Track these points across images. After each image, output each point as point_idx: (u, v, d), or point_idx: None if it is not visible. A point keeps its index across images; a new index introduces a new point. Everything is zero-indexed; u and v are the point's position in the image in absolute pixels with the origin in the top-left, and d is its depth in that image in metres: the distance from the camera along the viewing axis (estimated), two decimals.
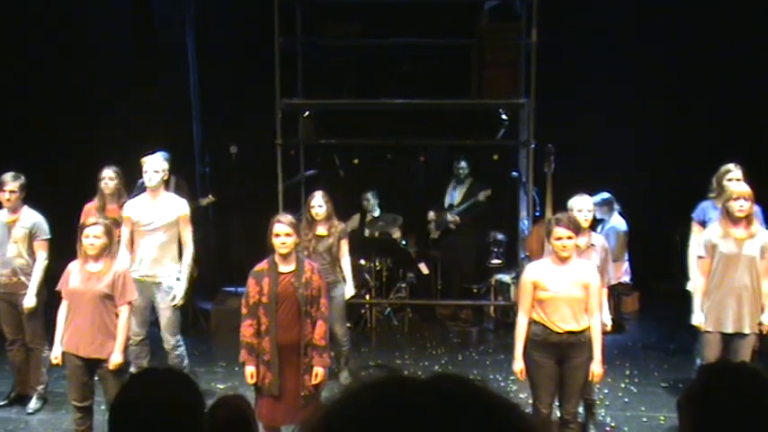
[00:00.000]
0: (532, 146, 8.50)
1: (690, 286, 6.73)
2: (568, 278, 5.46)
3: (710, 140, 8.90)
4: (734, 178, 6.62)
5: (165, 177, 6.89)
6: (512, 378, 7.30)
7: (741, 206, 5.89)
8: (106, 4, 9.83)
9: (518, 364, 5.62)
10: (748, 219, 5.92)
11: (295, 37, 9.26)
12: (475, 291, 9.66)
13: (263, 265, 5.63)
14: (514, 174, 9.37)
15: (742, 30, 9.26)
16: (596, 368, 5.54)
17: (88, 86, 9.64)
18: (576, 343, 5.48)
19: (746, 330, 6.02)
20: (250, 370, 5.50)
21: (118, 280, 5.64)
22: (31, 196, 6.81)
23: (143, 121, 9.67)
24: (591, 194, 8.69)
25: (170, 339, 6.81)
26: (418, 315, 9.65)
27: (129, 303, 5.73)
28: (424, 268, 9.61)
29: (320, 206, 7.40)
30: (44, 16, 9.56)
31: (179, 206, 6.89)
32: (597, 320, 5.53)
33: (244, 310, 5.57)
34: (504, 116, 9.29)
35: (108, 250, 5.69)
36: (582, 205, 6.40)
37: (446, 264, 9.81)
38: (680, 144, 9.61)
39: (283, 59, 8.69)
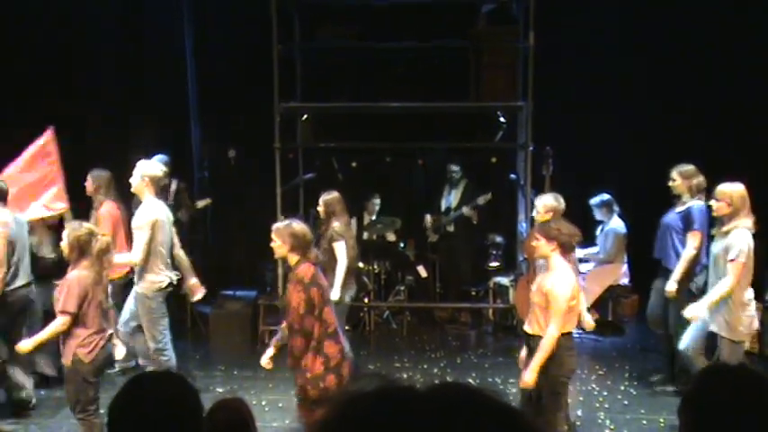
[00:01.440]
0: (530, 148, 8.51)
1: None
2: (539, 282, 5.48)
3: (709, 141, 8.90)
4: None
5: (146, 184, 6.76)
6: (510, 381, 7.30)
7: (712, 205, 6.22)
8: (105, 9, 9.81)
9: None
10: (729, 217, 6.06)
11: (293, 41, 9.27)
12: (473, 294, 9.66)
13: None
14: (513, 176, 9.37)
15: (739, 30, 9.26)
16: (526, 375, 5.33)
17: (86, 92, 9.62)
18: (534, 348, 5.40)
19: (714, 329, 6.18)
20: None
21: (59, 287, 5.47)
22: None
23: (142, 125, 9.66)
24: (590, 196, 8.85)
25: (151, 344, 6.80)
26: (417, 318, 9.65)
27: (64, 313, 5.31)
28: (422, 271, 9.60)
29: (318, 205, 7.48)
30: (42, 19, 9.53)
31: (140, 214, 6.77)
32: (548, 332, 5.27)
33: None
34: (502, 119, 9.31)
35: (74, 256, 5.41)
36: (536, 204, 6.55)
37: (444, 267, 9.82)
38: (678, 145, 9.58)
39: (282, 63, 8.71)
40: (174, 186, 8.62)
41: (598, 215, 8.84)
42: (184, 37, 10.06)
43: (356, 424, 1.11)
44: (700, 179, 6.87)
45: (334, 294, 7.21)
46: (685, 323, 6.47)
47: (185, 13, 10.01)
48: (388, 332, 9.33)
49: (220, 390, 7.27)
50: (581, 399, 7.10)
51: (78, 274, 5.35)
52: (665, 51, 9.55)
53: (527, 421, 1.14)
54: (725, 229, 6.07)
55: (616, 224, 8.77)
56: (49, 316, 5.71)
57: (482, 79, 9.01)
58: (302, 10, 9.32)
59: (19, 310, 6.66)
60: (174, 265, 6.95)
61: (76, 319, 5.35)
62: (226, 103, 10.00)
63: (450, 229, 9.70)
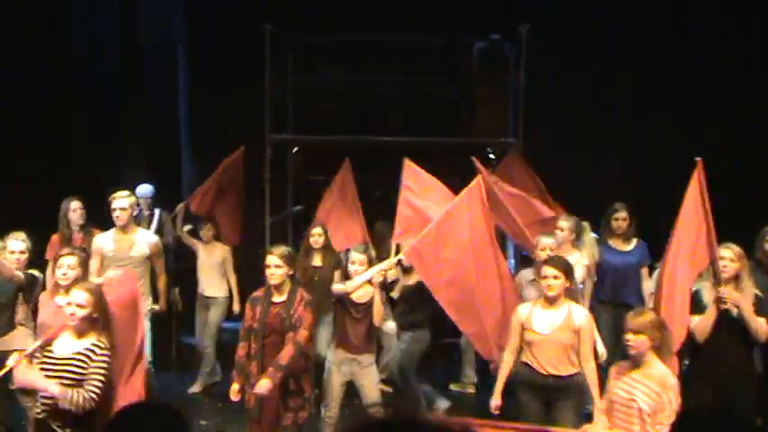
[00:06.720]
0: None
1: None
2: (557, 321, 5.44)
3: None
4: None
5: (135, 213, 6.95)
6: None
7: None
8: (102, 46, 9.86)
9: (495, 401, 5.66)
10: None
11: (286, 76, 9.33)
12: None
13: (259, 292, 5.81)
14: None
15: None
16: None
17: (76, 121, 9.63)
18: (563, 387, 5.41)
19: None
20: (234, 387, 5.75)
21: None
22: (8, 225, 6.73)
23: (131, 155, 9.67)
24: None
25: None
26: None
27: None
28: None
29: (320, 235, 7.60)
30: (40, 52, 9.55)
31: (150, 241, 7.09)
32: (591, 367, 5.41)
33: (241, 332, 5.83)
34: (491, 155, 9.34)
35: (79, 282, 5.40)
36: (544, 244, 6.51)
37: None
38: (666, 182, 9.56)
39: (273, 98, 8.76)
40: (156, 216, 8.59)
41: None
42: (178, 67, 10.11)
43: None
44: None
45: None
46: None
47: (180, 49, 10.08)
48: None
49: (204, 422, 7.21)
50: None
51: None
52: (658, 89, 9.60)
53: None
54: None
55: None
56: None
57: (474, 115, 9.08)
58: (296, 46, 9.39)
59: None
60: None
61: None
62: (217, 134, 10.01)
63: None
